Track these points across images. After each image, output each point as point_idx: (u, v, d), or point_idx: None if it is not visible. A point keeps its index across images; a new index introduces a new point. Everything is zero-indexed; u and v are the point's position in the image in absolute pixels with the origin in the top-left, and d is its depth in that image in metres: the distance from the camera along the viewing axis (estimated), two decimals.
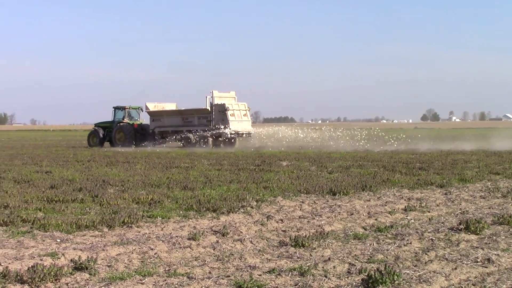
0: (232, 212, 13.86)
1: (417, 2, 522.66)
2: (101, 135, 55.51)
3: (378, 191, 17.95)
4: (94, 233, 11.50)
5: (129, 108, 56.17)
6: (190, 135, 50.71)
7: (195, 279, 8.19)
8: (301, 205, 15.17)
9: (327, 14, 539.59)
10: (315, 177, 21.81)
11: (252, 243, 10.68)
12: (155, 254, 9.78)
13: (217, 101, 50.66)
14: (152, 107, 54.56)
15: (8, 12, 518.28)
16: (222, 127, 49.68)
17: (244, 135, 51.14)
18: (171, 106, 55.64)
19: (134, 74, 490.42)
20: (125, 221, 12.37)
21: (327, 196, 16.91)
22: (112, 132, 54.94)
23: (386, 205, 15.14)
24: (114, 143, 54.61)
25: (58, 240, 10.79)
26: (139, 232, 11.64)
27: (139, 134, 53.79)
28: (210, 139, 50.06)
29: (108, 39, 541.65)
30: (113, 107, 56.61)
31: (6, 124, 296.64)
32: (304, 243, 10.35)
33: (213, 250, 10.17)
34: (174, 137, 51.91)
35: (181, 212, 14.02)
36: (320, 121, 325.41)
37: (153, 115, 53.57)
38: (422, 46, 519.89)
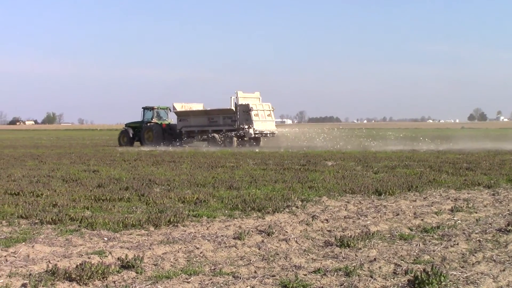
0: (277, 212, 13.68)
1: (465, 0, 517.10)
2: (130, 135, 56.44)
3: (424, 191, 17.66)
4: (141, 232, 11.38)
5: (158, 109, 57.06)
6: (216, 135, 51.21)
7: (240, 278, 8.11)
8: (346, 205, 14.96)
9: (375, 13, 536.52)
10: (361, 177, 21.56)
11: (297, 243, 10.51)
12: (200, 253, 9.66)
13: (241, 101, 50.99)
14: (179, 107, 55.25)
15: (55, 12, 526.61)
16: (246, 127, 50.16)
17: (268, 134, 51.63)
18: (198, 107, 56.30)
19: (179, 73, 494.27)
20: (171, 220, 12.25)
21: (372, 196, 16.68)
22: (141, 132, 55.84)
23: (432, 206, 14.89)
24: (143, 143, 55.37)
25: (105, 239, 10.72)
26: (185, 231, 11.50)
27: (167, 134, 54.57)
28: (235, 139, 50.41)
29: (158, 40, 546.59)
30: (142, 108, 57.42)
31: (54, 123, 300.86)
32: (349, 243, 10.20)
33: (259, 249, 10.01)
34: (200, 136, 52.51)
35: (226, 211, 13.89)
36: (365, 121, 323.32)
37: (180, 115, 54.28)
38: (470, 45, 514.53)
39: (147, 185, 18.83)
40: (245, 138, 50.65)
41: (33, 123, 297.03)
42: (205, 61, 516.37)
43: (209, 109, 54.41)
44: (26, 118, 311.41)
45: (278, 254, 9.65)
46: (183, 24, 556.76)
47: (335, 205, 15.00)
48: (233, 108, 50.98)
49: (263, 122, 50.92)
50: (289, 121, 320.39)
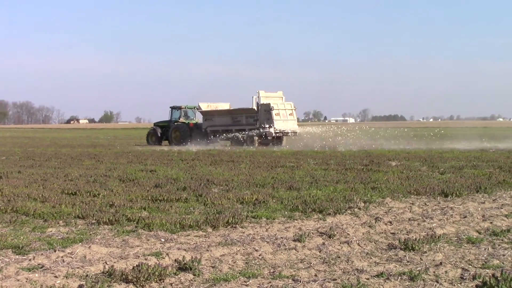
0: (339, 214, 13.57)
1: None
2: (159, 134, 57.74)
3: (493, 193, 17.34)
4: (198, 233, 11.40)
5: (185, 108, 58.12)
6: (238, 134, 52.34)
7: (300, 281, 8.06)
8: (411, 206, 14.77)
9: (441, 8, 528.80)
10: (426, 178, 21.24)
11: (359, 245, 10.42)
12: (259, 255, 9.62)
13: (263, 101, 52.13)
14: (205, 106, 56.48)
15: (113, 10, 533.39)
16: (267, 126, 51.24)
17: (290, 133, 52.44)
18: (224, 106, 57.02)
19: (236, 68, 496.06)
20: (229, 221, 12.26)
21: (438, 197, 16.42)
22: (169, 131, 56.97)
23: (502, 208, 14.59)
24: (171, 142, 56.59)
25: (162, 240, 10.76)
26: (244, 232, 11.48)
27: (195, 133, 55.57)
28: (256, 138, 51.65)
29: (217, 36, 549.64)
30: (170, 107, 58.61)
31: (112, 122, 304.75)
32: (414, 246, 10.08)
33: (319, 252, 9.93)
34: (224, 135, 53.36)
35: (286, 212, 13.79)
36: (431, 119, 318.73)
37: (206, 114, 55.44)
38: None
39: (205, 185, 18.82)
40: (268, 138, 51.68)
41: (87, 121, 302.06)
42: (264, 56, 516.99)
43: (232, 108, 55.59)
44: (83, 116, 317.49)
45: (339, 257, 9.55)
46: (242, 16, 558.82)
47: (399, 206, 14.81)
48: (255, 107, 52.23)
49: (284, 121, 51.91)
50: (351, 120, 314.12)
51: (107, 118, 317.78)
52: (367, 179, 20.42)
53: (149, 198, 16.10)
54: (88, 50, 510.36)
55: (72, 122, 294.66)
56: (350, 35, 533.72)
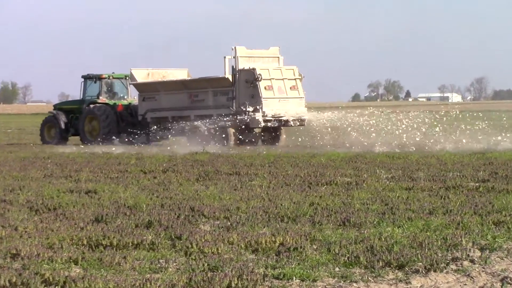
0: (435, 271, 10.18)
1: None
2: (62, 124, 42.25)
3: None
4: None
5: (109, 78, 42.44)
6: (200, 124, 37.25)
7: None
8: None
9: None
10: None
11: None
12: None
13: (244, 64, 36.95)
14: (143, 76, 40.95)
15: None
16: (251, 109, 36.35)
17: (291, 122, 37.57)
18: (177, 74, 41.82)
19: None
20: (233, 286, 9.76)
21: None
22: (80, 119, 41.49)
23: None
24: (84, 137, 41.22)
25: None
26: None
27: (126, 123, 40.87)
28: (231, 131, 37.15)
29: None
30: (83, 77, 42.61)
31: (16, 102, 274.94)
32: None
33: None
34: (176, 127, 38.71)
35: (337, 269, 10.41)
36: None
37: (144, 89, 40.12)
38: None
39: (186, 218, 15.12)
40: (252, 130, 37.35)
41: None
42: None
43: (189, 78, 40.65)
44: None
45: None
46: None
47: None
48: (229, 76, 36.72)
49: (281, 100, 37.08)
50: (457, 97, 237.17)
51: (7, 95, 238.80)
52: (486, 206, 16.27)
53: (85, 242, 12.39)
54: None
55: None
56: None
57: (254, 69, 36.46)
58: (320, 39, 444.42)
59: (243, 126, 36.90)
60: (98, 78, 42.27)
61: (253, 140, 37.42)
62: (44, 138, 43.09)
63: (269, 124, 36.88)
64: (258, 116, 36.17)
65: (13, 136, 55.25)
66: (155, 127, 39.56)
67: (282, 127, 38.34)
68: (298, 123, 38.01)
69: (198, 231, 13.46)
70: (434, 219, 14.72)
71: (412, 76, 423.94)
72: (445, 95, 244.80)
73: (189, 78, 41.13)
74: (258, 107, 36.24)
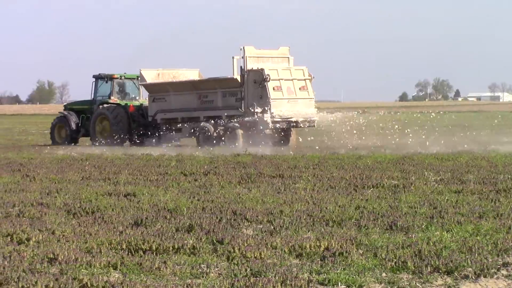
0: (485, 276, 10.23)
1: None
2: (72, 125, 42.36)
3: None
4: None
5: (120, 78, 42.64)
6: (209, 126, 37.99)
7: None
8: None
9: None
10: None
11: None
12: None
13: (252, 64, 37.24)
14: (152, 76, 41.07)
15: None
16: (259, 110, 36.82)
17: (301, 123, 38.09)
18: (188, 75, 42.37)
19: None
20: None
21: None
22: (91, 120, 41.78)
23: None
24: (94, 138, 41.47)
25: None
26: None
27: (137, 124, 41.15)
28: (240, 132, 37.39)
29: None
30: (94, 76, 42.79)
31: (53, 102, 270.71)
32: None
33: None
34: (187, 128, 39.30)
35: (384, 274, 10.47)
36: None
37: (153, 90, 40.30)
38: None
39: (228, 222, 15.13)
40: (262, 131, 37.30)
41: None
42: None
43: (197, 79, 41.06)
44: None
45: None
46: None
47: None
48: (237, 76, 37.30)
49: (290, 101, 37.60)
50: (508, 96, 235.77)
51: (43, 95, 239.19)
52: None
53: (124, 246, 12.45)
54: None
55: None
56: None
57: (262, 69, 36.55)
58: (365, 35, 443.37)
59: (252, 128, 36.97)
60: (110, 78, 42.16)
61: (262, 141, 36.94)
62: (54, 139, 43.15)
63: (277, 125, 37.05)
64: (267, 117, 36.51)
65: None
66: (165, 129, 39.63)
67: (292, 130, 38.38)
68: (307, 125, 38.16)
69: (241, 235, 13.51)
70: (484, 223, 14.61)
71: (462, 74, 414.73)
72: (496, 94, 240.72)
73: (198, 78, 41.11)
74: (266, 108, 36.51)
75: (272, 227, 14.38)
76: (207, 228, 14.12)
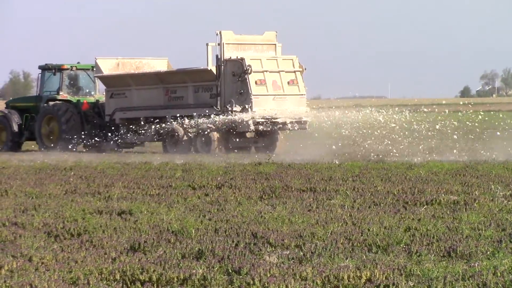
0: None
1: None
2: (14, 127, 41.55)
3: None
4: None
5: (71, 69, 41.66)
6: (178, 127, 37.44)
7: None
8: None
9: None
10: None
11: None
12: None
13: (230, 53, 36.46)
14: (110, 66, 40.20)
15: None
16: (238, 109, 36.25)
17: (289, 125, 37.25)
18: (155, 65, 41.26)
19: None
20: None
21: None
22: (37, 120, 41.18)
23: None
24: (40, 142, 41.13)
25: None
26: None
27: (92, 125, 40.98)
28: (215, 136, 36.85)
29: None
30: (39, 67, 42.08)
31: None
32: None
33: None
34: (151, 130, 39.13)
35: None
36: None
37: (111, 83, 39.72)
38: None
39: (247, 247, 14.95)
40: (242, 135, 37.34)
41: None
42: None
43: (164, 70, 39.94)
44: None
45: None
46: None
47: None
48: (213, 68, 36.26)
49: (276, 98, 36.89)
50: None
51: (17, 88, 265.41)
52: None
53: (118, 276, 12.42)
54: None
55: None
56: None
57: (242, 59, 35.66)
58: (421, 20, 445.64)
59: (230, 130, 36.59)
60: (59, 69, 40.88)
61: (242, 146, 37.32)
62: None
63: (260, 127, 36.24)
64: (247, 117, 35.75)
65: None
66: (124, 131, 39.01)
67: (278, 132, 37.72)
68: (297, 126, 37.20)
69: (262, 263, 13.19)
70: None
71: None
72: None
73: (166, 70, 39.82)
74: (247, 106, 35.73)
75: (302, 254, 14.01)
76: (221, 254, 13.88)
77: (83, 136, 40.35)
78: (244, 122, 35.82)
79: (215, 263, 13.57)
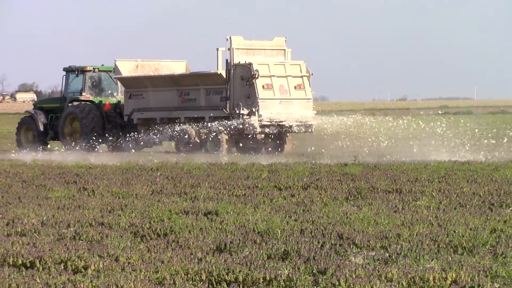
0: None
1: None
2: (40, 126, 42.98)
3: None
4: None
5: (94, 71, 42.76)
6: (190, 129, 38.65)
7: None
8: None
9: None
10: None
11: None
12: None
13: (239, 57, 37.71)
14: (129, 68, 41.28)
15: None
16: (245, 112, 37.45)
17: (296, 128, 38.33)
18: (173, 67, 42.25)
19: None
20: None
21: None
22: (60, 120, 42.35)
23: None
24: (64, 140, 42.24)
25: None
26: None
27: (113, 125, 42.23)
28: (224, 137, 38.01)
29: None
30: (64, 69, 42.97)
31: None
32: None
33: None
34: (166, 131, 39.96)
35: None
36: None
37: (130, 85, 40.91)
38: None
39: (333, 248, 15.06)
40: (249, 136, 38.58)
41: None
42: None
43: (178, 73, 41.26)
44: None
45: None
46: None
47: None
48: (222, 72, 37.52)
49: (283, 102, 37.98)
50: None
51: None
52: None
53: (204, 277, 12.76)
54: None
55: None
56: None
57: (250, 64, 36.75)
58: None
59: (239, 132, 37.86)
60: (81, 70, 42.00)
61: (251, 147, 38.29)
62: (21, 142, 43.61)
63: (266, 130, 37.48)
64: (254, 120, 36.94)
65: None
66: (143, 131, 40.17)
67: (287, 134, 38.65)
68: (303, 129, 38.14)
69: (348, 264, 13.47)
70: None
71: None
72: None
73: (182, 72, 40.93)
74: (254, 109, 36.87)
75: (387, 255, 14.40)
76: (306, 255, 14.19)
77: (105, 136, 41.69)
78: (251, 125, 37.20)
79: (301, 264, 13.87)
